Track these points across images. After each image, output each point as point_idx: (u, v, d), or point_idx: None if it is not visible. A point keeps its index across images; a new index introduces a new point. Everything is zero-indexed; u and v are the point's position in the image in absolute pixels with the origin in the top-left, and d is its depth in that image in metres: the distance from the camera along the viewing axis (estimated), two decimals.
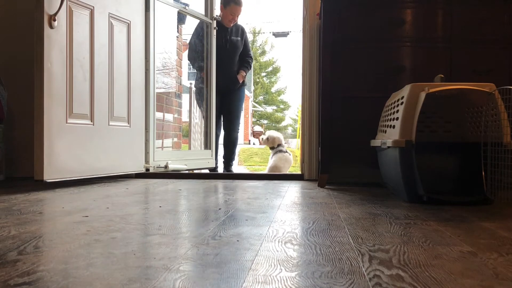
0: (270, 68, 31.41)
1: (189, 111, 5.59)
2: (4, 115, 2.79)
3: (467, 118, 1.88)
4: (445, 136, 1.85)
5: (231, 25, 4.04)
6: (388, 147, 1.95)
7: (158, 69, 3.44)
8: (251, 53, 4.32)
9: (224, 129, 4.23)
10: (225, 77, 4.06)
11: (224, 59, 4.03)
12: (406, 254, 1.00)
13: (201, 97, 4.14)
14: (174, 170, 3.31)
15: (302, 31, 2.98)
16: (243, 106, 4.37)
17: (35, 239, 1.13)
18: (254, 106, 28.16)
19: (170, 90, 4.94)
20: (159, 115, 4.19)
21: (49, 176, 2.27)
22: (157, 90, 3.34)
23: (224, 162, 4.23)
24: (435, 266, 0.91)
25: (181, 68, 5.30)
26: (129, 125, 2.86)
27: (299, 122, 4.91)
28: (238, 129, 4.28)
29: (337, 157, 2.51)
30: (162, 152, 3.49)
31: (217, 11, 3.90)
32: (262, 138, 5.22)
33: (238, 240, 1.13)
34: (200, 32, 3.93)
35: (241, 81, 4.15)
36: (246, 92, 27.57)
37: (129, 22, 2.84)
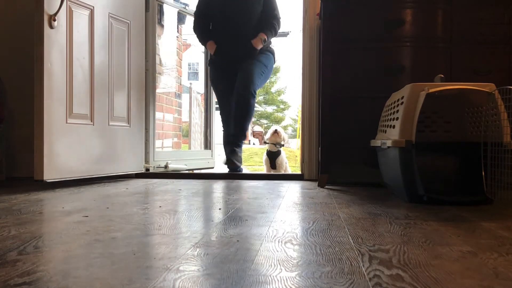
0: None
1: (189, 111, 5.59)
2: (4, 115, 2.79)
3: (467, 118, 1.88)
4: (445, 136, 1.85)
5: None
6: (388, 147, 1.95)
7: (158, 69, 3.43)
8: (278, 13, 3.17)
9: (236, 92, 3.10)
10: (235, 45, 3.07)
11: (231, 22, 3.06)
12: (406, 254, 1.00)
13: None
14: (174, 170, 3.31)
15: (302, 31, 2.97)
16: (266, 76, 3.18)
17: (35, 239, 1.13)
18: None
19: (170, 90, 4.94)
20: (159, 115, 4.19)
21: (49, 176, 2.27)
22: (157, 90, 3.34)
23: (228, 140, 3.20)
24: (435, 266, 0.91)
25: (181, 68, 5.30)
26: (129, 125, 2.86)
27: (299, 122, 4.89)
28: (254, 94, 3.10)
29: (337, 157, 2.51)
30: (162, 152, 3.49)
31: None
32: (277, 131, 4.98)
33: (238, 240, 1.13)
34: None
35: (258, 47, 3.06)
36: None
37: (129, 22, 2.84)
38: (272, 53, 3.26)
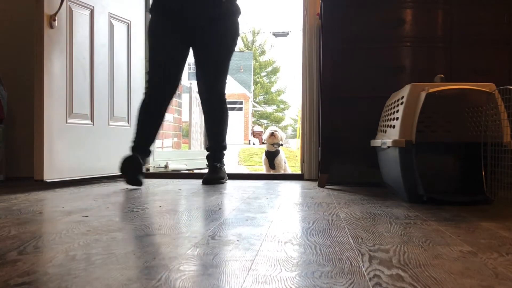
0: (270, 68, 31.45)
1: (189, 111, 5.59)
2: (4, 115, 2.79)
3: (467, 118, 1.88)
4: (445, 136, 1.85)
5: None
6: (388, 147, 1.95)
7: None
8: None
9: (200, 93, 2.55)
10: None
11: None
12: (406, 254, 1.00)
13: None
14: (174, 170, 3.31)
15: (302, 31, 2.98)
16: (232, 50, 2.51)
17: (35, 239, 1.13)
18: (254, 106, 28.18)
19: None
20: None
21: (49, 176, 2.27)
22: None
23: (209, 155, 2.62)
24: (435, 266, 0.91)
25: None
26: (129, 125, 2.86)
27: (299, 122, 4.91)
28: (224, 94, 2.54)
29: (337, 157, 2.51)
30: (162, 152, 3.49)
31: None
32: (274, 133, 5.06)
33: (238, 240, 1.13)
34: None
35: None
36: (245, 91, 27.56)
37: (129, 22, 2.84)
38: (238, 11, 2.48)
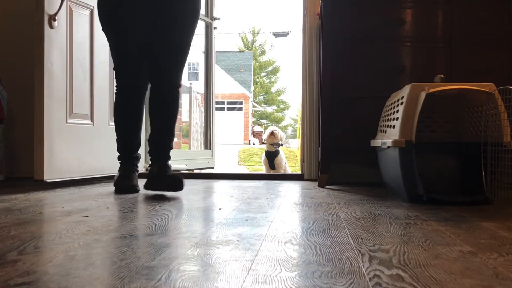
0: (270, 68, 31.46)
1: (189, 111, 5.58)
2: (4, 115, 2.79)
3: (467, 118, 1.89)
4: (445, 136, 1.85)
5: None
6: (388, 147, 1.95)
7: None
8: None
9: (151, 79, 2.15)
10: None
11: None
12: (406, 254, 1.00)
13: None
14: (174, 170, 3.30)
15: (302, 31, 2.98)
16: (193, 34, 2.16)
17: (35, 239, 1.13)
18: (254, 106, 28.18)
19: None
20: None
21: (49, 176, 2.27)
22: None
23: (152, 151, 2.21)
24: (435, 266, 0.91)
25: None
26: None
27: (299, 122, 4.91)
28: (180, 79, 2.18)
29: (337, 157, 2.51)
30: None
31: (217, 11, 3.86)
32: (274, 133, 5.08)
33: (238, 240, 1.13)
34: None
35: None
36: (245, 91, 27.53)
37: None
38: None
